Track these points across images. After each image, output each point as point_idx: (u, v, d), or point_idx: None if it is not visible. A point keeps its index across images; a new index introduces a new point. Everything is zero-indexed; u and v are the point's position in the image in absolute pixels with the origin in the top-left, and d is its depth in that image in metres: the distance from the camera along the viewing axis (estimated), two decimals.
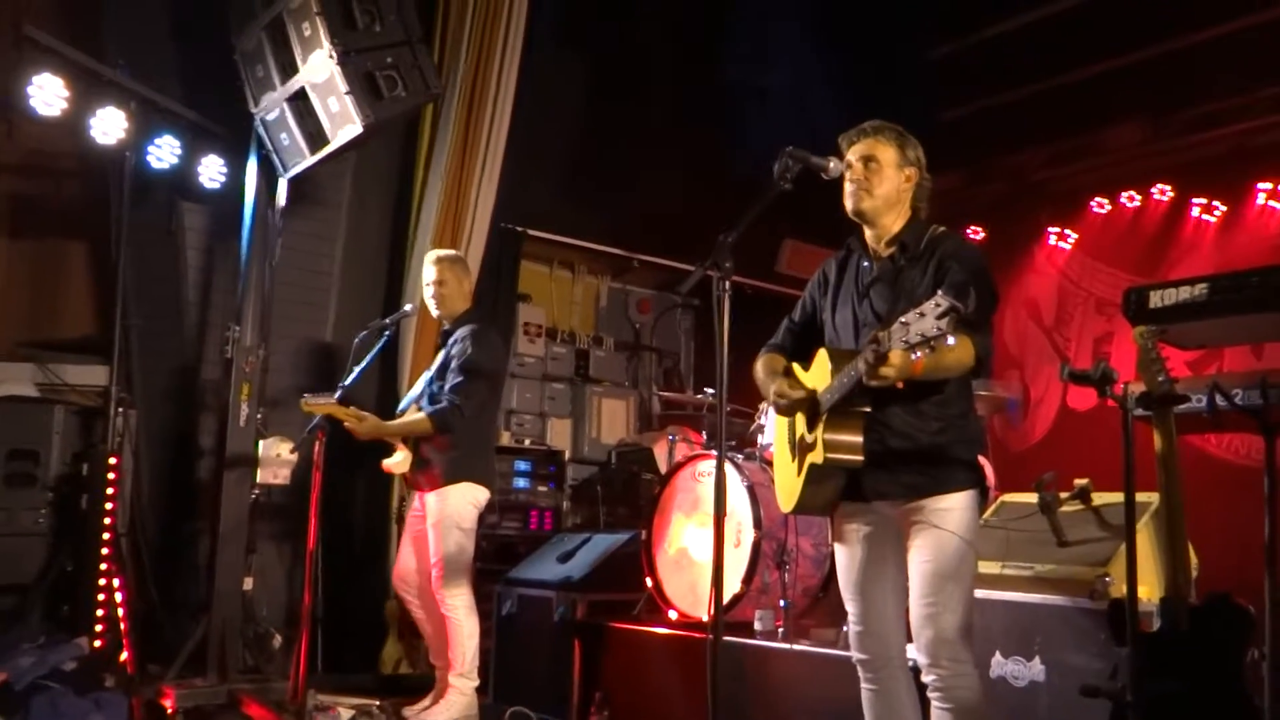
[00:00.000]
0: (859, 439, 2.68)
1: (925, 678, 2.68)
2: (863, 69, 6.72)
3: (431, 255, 4.59)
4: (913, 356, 2.33)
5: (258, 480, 4.86)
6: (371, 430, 4.31)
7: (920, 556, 2.68)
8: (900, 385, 2.54)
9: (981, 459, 2.89)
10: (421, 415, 4.28)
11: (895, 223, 2.87)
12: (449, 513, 4.24)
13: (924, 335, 2.24)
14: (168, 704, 4.35)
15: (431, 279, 4.46)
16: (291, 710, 4.18)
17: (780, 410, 2.92)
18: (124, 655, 4.54)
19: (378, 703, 4.52)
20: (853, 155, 2.86)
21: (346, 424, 4.27)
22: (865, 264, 2.91)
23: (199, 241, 5.30)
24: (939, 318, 2.21)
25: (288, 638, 4.90)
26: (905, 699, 2.81)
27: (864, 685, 2.85)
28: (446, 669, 4.32)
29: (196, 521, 5.10)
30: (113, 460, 4.63)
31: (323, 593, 4.77)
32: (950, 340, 2.23)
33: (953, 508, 2.68)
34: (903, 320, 2.31)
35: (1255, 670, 2.50)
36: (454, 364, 4.30)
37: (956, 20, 7.03)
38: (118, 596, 4.60)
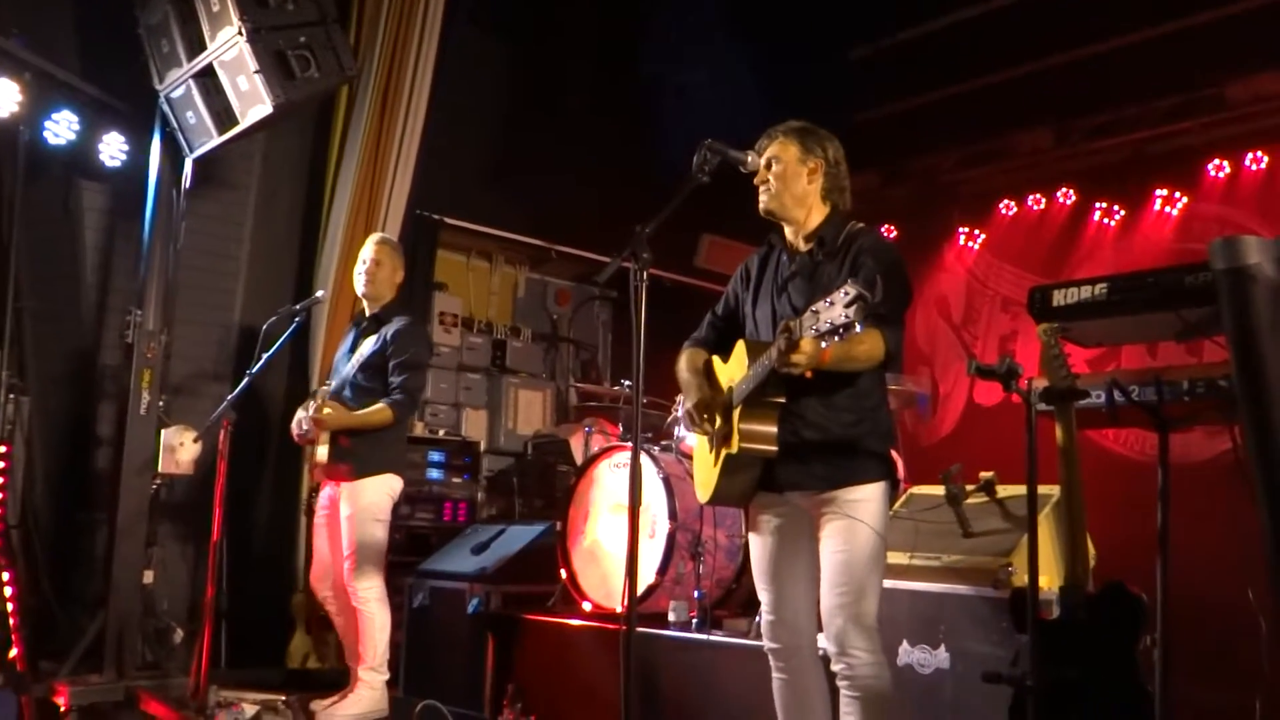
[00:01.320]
0: (773, 429, 2.71)
1: (834, 666, 2.72)
2: (782, 67, 6.81)
3: (375, 236, 4.62)
4: (822, 345, 2.37)
5: (159, 470, 4.70)
6: (336, 422, 4.22)
7: (831, 546, 2.72)
8: (809, 375, 2.57)
9: (892, 452, 2.95)
10: (382, 405, 4.24)
11: (811, 218, 2.92)
12: (366, 505, 4.20)
13: (833, 323, 2.28)
14: (61, 702, 4.18)
15: (369, 257, 4.44)
16: (193, 707, 4.06)
17: (688, 426, 2.96)
18: (13, 652, 4.35)
19: (284, 698, 4.42)
20: (761, 159, 2.92)
21: (312, 414, 4.21)
22: (784, 259, 2.95)
23: (98, 222, 5.09)
24: (847, 306, 2.25)
25: (190, 632, 4.77)
26: (815, 688, 2.85)
27: (775, 674, 2.88)
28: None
29: (94, 513, 4.91)
30: (3, 449, 4.43)
31: (227, 586, 4.64)
32: (858, 328, 2.27)
33: (864, 499, 2.73)
34: (813, 309, 2.35)
35: (1148, 656, 2.59)
36: (396, 359, 4.27)
37: (873, 23, 7.16)
38: (7, 591, 4.40)
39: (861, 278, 2.39)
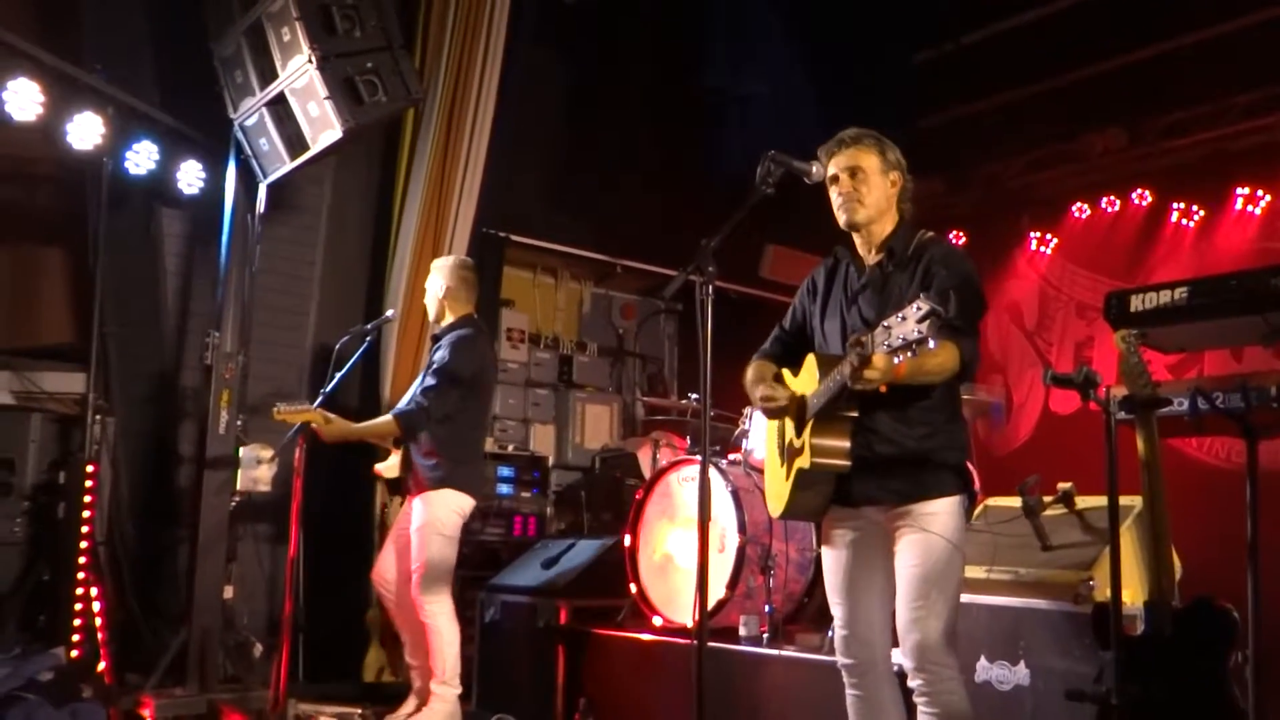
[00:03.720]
0: (846, 444, 2.68)
1: (911, 682, 2.68)
2: (844, 74, 6.75)
3: (434, 262, 4.66)
4: (895, 360, 2.33)
5: (238, 487, 4.82)
6: (338, 432, 4.29)
7: (907, 561, 2.68)
8: (884, 389, 2.54)
9: (967, 464, 2.89)
10: (388, 416, 4.30)
11: (885, 228, 2.88)
12: (431, 519, 4.23)
13: (905, 339, 2.24)
14: (146, 714, 4.30)
15: (427, 284, 4.54)
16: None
17: (767, 413, 2.92)
18: (102, 665, 4.49)
19: (360, 711, 4.49)
20: (835, 167, 2.85)
21: (313, 425, 4.26)
22: (854, 271, 2.91)
23: (177, 248, 5.25)
24: (920, 321, 2.21)
25: (269, 646, 4.86)
26: (890, 704, 2.80)
27: (849, 690, 2.84)
28: (422, 668, 4.33)
29: (176, 530, 5.05)
30: (90, 468, 4.58)
31: (304, 601, 4.74)
32: (931, 344, 2.23)
33: (940, 512, 2.68)
34: (885, 324, 2.31)
35: (1239, 673, 2.50)
36: (431, 368, 4.30)
37: (937, 27, 7.07)
38: (95, 606, 4.54)
39: (934, 290, 2.35)
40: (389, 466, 4.50)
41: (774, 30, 7.09)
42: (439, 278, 4.51)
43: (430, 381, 4.26)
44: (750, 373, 3.03)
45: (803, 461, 2.71)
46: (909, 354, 2.27)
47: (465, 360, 4.29)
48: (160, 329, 5.20)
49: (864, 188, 2.82)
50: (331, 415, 4.30)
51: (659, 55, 7.18)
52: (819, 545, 2.97)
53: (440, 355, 4.31)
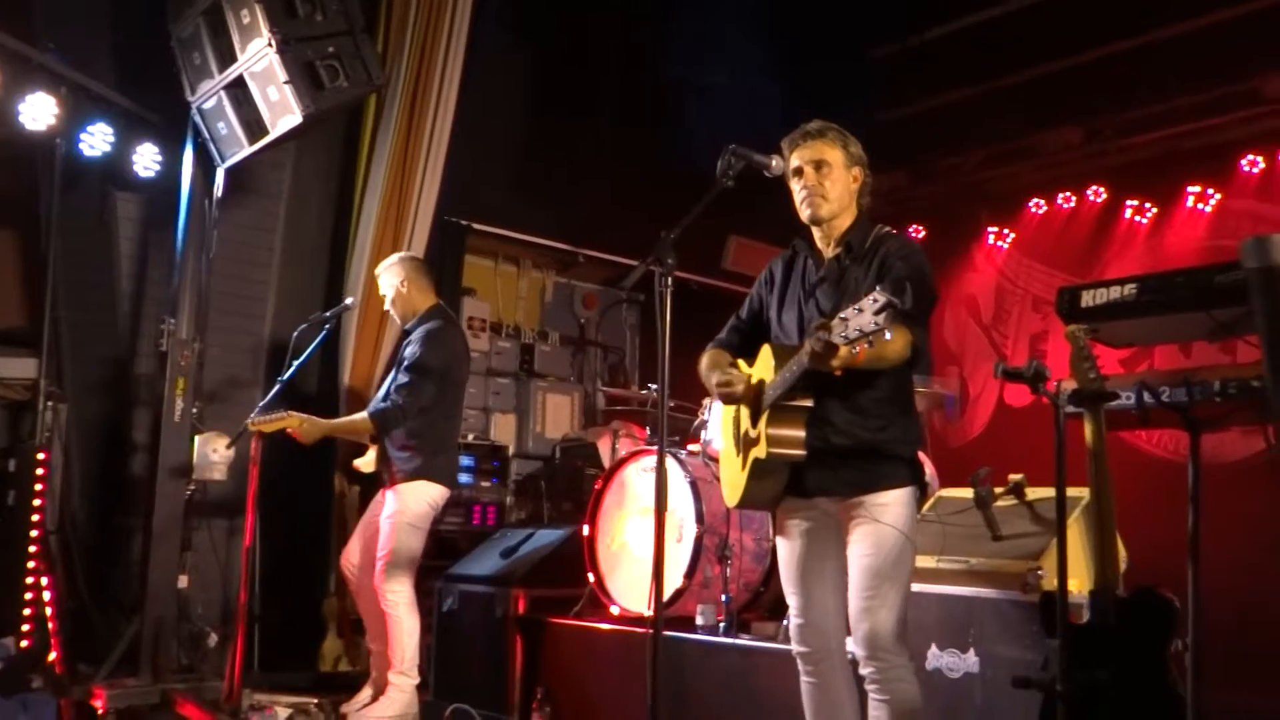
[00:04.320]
0: (801, 433, 2.71)
1: (862, 671, 2.72)
2: (806, 67, 6.80)
3: (378, 268, 4.62)
4: (854, 351, 2.36)
5: (193, 476, 4.77)
6: (316, 431, 4.30)
7: (859, 551, 2.72)
8: (838, 374, 2.55)
9: (921, 456, 2.94)
10: (363, 414, 4.32)
11: (844, 223, 2.90)
12: (401, 508, 4.26)
13: (862, 330, 2.27)
14: (98, 704, 4.26)
15: (382, 289, 4.53)
16: (227, 710, 4.13)
17: (724, 399, 2.93)
18: (52, 655, 4.43)
19: (315, 701, 4.47)
20: (799, 160, 2.86)
21: (289, 429, 4.25)
22: (811, 264, 2.93)
23: (133, 232, 5.17)
24: (877, 313, 2.24)
25: (224, 636, 4.83)
26: (844, 691, 2.85)
27: (803, 678, 2.88)
28: (382, 653, 4.33)
29: (129, 518, 4.99)
30: (41, 455, 4.52)
31: (260, 590, 4.70)
32: (888, 335, 2.26)
33: (891, 503, 2.72)
34: (842, 316, 2.33)
35: (1179, 660, 2.57)
36: (404, 364, 4.30)
37: (899, 21, 7.13)
38: (46, 595, 4.48)
39: (890, 282, 2.38)
40: (366, 461, 4.53)
41: (739, 23, 7.11)
42: (391, 277, 4.49)
43: (403, 379, 4.27)
44: (705, 360, 3.04)
45: (759, 451, 2.73)
46: (866, 345, 2.30)
47: (435, 353, 4.30)
48: (114, 314, 5.12)
49: (828, 182, 2.83)
50: (306, 415, 4.29)
51: (623, 45, 7.18)
52: (775, 535, 3.00)
53: (411, 351, 4.32)
